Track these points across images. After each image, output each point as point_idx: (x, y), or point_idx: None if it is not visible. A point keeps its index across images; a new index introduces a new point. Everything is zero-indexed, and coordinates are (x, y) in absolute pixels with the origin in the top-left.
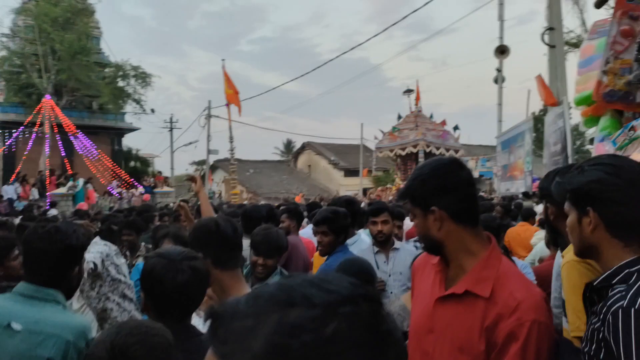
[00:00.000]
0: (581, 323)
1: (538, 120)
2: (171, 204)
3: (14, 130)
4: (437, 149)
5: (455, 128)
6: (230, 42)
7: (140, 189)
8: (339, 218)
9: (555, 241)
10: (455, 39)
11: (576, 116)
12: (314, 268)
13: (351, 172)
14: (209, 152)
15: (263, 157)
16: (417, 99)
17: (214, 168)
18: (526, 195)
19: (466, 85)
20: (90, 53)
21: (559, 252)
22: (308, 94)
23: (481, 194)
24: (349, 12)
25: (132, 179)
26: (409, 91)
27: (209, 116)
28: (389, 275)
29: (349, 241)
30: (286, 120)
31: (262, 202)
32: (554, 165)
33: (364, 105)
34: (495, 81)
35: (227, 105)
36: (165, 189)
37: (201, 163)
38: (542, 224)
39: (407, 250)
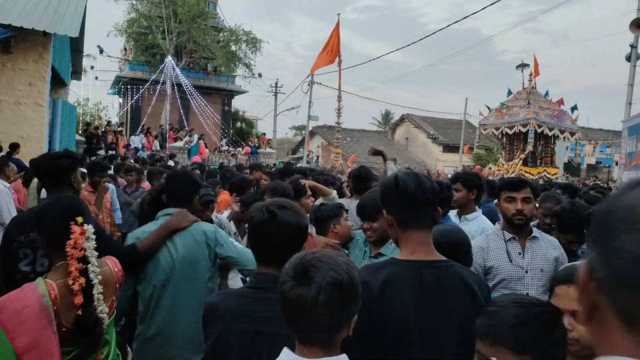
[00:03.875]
0: None
1: None
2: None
3: (140, 87)
4: (550, 129)
5: (574, 108)
6: (335, 10)
7: (246, 148)
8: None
9: None
10: (580, 11)
11: None
12: None
13: (450, 148)
14: (310, 117)
15: (361, 126)
16: (535, 73)
17: (312, 134)
18: None
19: (589, 62)
20: (207, 17)
21: None
22: (411, 65)
23: (597, 182)
24: None
25: (239, 138)
26: (522, 65)
27: (311, 82)
28: (526, 272)
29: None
30: (386, 91)
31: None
32: None
33: (470, 80)
34: (628, 59)
35: (339, 64)
36: (268, 150)
37: (301, 128)
38: None
39: (548, 240)
